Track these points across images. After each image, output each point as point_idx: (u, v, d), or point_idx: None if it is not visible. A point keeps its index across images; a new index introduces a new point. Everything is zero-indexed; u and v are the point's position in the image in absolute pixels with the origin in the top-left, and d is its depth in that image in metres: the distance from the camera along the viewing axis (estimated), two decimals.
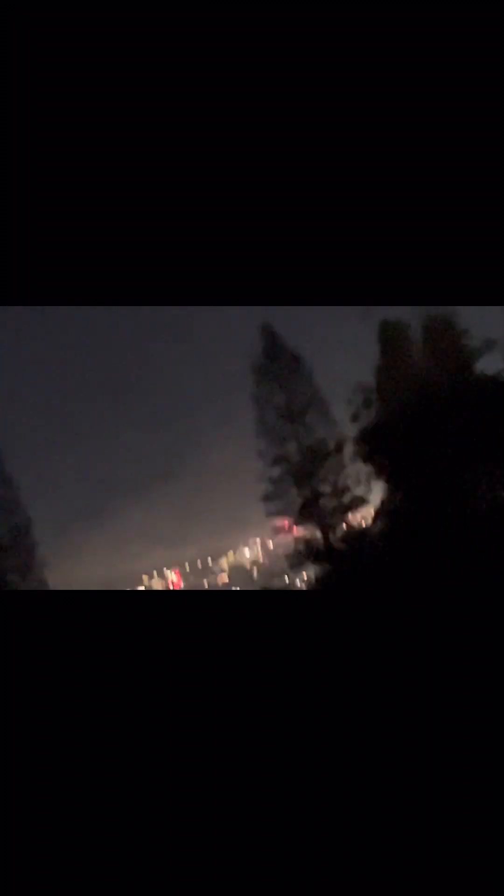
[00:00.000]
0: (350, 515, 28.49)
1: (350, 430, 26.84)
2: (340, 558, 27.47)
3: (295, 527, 29.01)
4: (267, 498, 29.11)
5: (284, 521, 29.11)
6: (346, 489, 28.33)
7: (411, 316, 25.27)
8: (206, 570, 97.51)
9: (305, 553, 28.90)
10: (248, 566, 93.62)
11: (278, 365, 28.59)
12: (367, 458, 25.88)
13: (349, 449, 27.50)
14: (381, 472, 25.59)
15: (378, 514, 26.12)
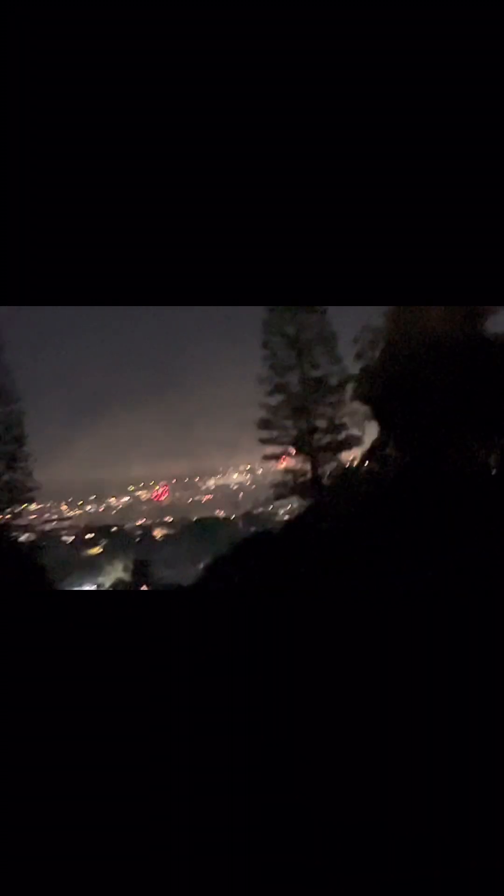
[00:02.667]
0: (343, 454, 28.77)
1: (353, 370, 26.93)
2: (325, 494, 27.87)
3: (286, 457, 29.29)
4: (262, 425, 29.27)
5: (276, 450, 29.36)
6: (342, 426, 28.53)
7: None
8: (194, 488, 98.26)
9: (292, 484, 29.26)
10: (234, 489, 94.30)
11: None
12: (365, 398, 26.02)
13: (350, 387, 27.61)
14: (376, 414, 25.78)
15: (367, 455, 26.41)
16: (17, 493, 29.67)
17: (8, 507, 29.60)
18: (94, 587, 44.98)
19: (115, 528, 72.09)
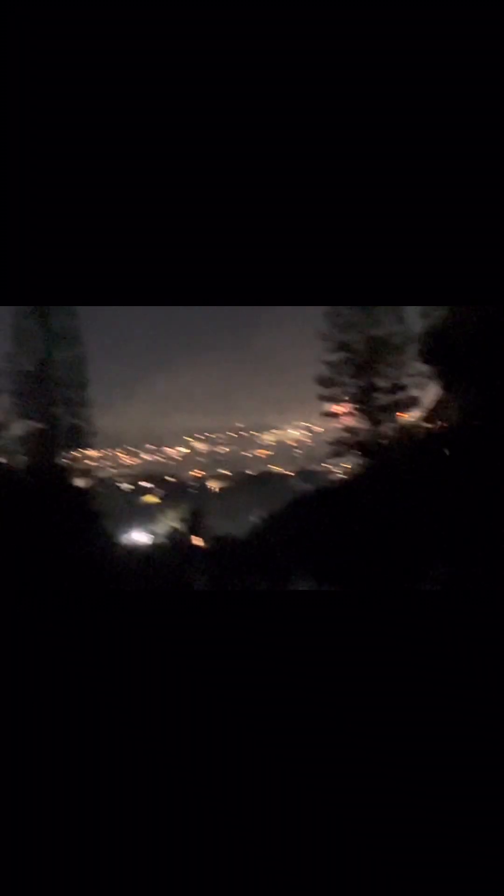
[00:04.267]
0: (401, 414, 28.43)
1: (418, 328, 26.42)
2: (383, 454, 27.66)
3: (345, 415, 29.07)
4: (323, 382, 29.07)
5: (335, 407, 29.13)
6: (402, 387, 28.15)
7: None
8: (250, 442, 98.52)
9: (351, 443, 29.09)
10: (291, 444, 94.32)
11: None
12: (428, 359, 25.58)
13: (414, 347, 27.17)
14: (439, 376, 25.33)
15: (427, 418, 26.05)
16: (76, 438, 30.18)
17: (67, 452, 30.15)
18: (149, 535, 45.66)
19: (171, 478, 72.83)
